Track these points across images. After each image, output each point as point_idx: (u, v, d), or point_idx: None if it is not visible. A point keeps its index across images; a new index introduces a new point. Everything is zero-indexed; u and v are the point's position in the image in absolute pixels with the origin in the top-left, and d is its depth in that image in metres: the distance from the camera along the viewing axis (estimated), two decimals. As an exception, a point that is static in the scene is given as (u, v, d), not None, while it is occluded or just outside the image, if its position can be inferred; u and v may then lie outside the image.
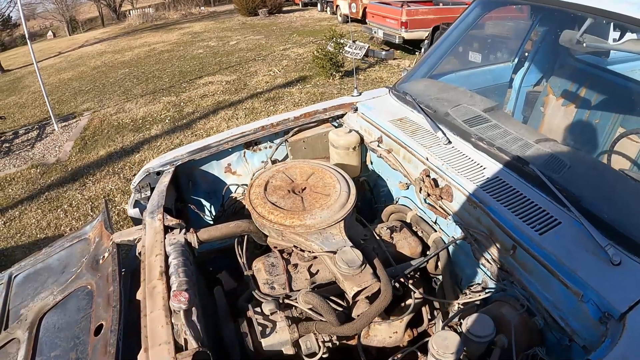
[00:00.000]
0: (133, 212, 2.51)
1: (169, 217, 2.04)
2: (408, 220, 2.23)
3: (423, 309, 2.01)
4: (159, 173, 2.48)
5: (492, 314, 1.54)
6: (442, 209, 2.00)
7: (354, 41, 10.94)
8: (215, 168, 2.74)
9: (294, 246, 1.88)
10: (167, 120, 8.42)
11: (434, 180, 2.04)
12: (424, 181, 2.03)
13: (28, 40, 8.41)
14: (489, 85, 3.59)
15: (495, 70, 3.73)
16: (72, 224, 5.39)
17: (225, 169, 2.76)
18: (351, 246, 1.69)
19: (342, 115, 2.84)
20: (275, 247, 1.96)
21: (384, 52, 11.23)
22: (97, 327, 1.69)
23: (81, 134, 8.28)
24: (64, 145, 7.92)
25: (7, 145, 8.32)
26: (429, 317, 2.02)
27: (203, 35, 18.01)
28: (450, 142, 2.18)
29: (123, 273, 1.96)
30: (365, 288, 1.60)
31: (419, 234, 2.17)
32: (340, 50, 9.53)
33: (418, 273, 2.07)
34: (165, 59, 14.22)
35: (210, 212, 2.83)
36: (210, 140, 2.63)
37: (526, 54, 3.62)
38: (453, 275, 2.02)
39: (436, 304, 2.04)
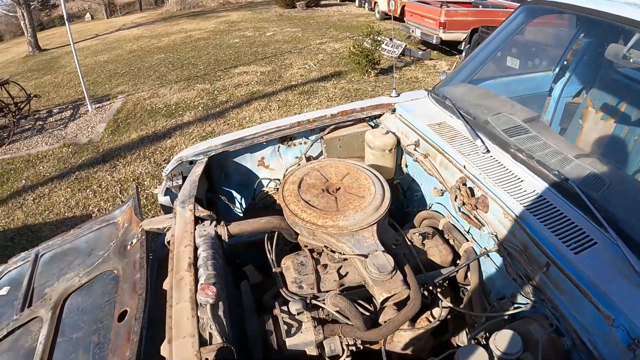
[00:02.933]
0: (164, 199, 2.53)
1: (200, 207, 2.04)
2: (440, 228, 2.20)
3: (448, 318, 1.98)
4: (191, 162, 2.49)
5: (520, 331, 1.50)
6: (477, 219, 1.96)
7: (391, 39, 10.83)
8: (248, 161, 2.74)
9: (325, 246, 1.88)
10: (200, 108, 8.48)
11: (470, 189, 2.01)
12: (460, 189, 1.99)
13: (66, 21, 8.57)
14: (529, 94, 3.52)
15: (536, 79, 3.66)
16: (101, 204, 5.48)
17: (259, 162, 2.76)
18: (383, 251, 1.68)
19: (379, 116, 2.82)
20: (306, 246, 1.96)
21: (420, 52, 11.11)
22: (121, 313, 1.71)
23: (114, 116, 8.40)
24: (97, 126, 8.05)
25: (41, 123, 8.51)
26: (454, 328, 1.99)
27: (240, 25, 18.06)
28: (488, 151, 2.14)
29: (150, 261, 1.96)
30: (395, 295, 1.59)
31: (451, 242, 2.14)
32: (377, 48, 9.45)
33: (447, 282, 2.04)
34: (201, 46, 14.31)
35: (240, 204, 2.84)
36: (245, 132, 2.62)
37: (565, 63, 3.54)
38: (482, 287, 1.99)
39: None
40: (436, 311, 1.88)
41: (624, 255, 1.48)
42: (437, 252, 2.05)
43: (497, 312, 1.77)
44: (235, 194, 2.82)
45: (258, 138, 2.59)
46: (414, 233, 2.10)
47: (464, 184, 2.02)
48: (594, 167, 1.97)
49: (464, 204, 2.00)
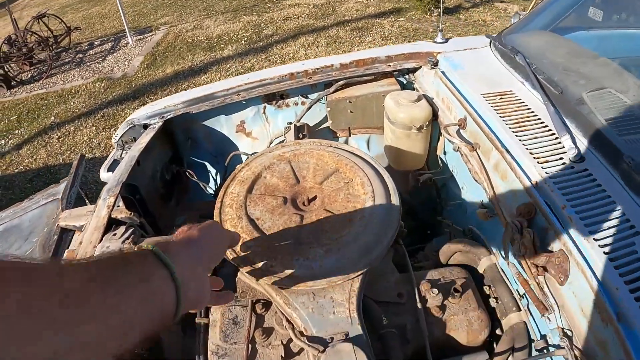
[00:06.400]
0: (106, 176, 1.80)
1: (121, 204, 1.43)
2: (481, 271, 1.31)
3: None
4: (145, 126, 1.82)
5: None
6: (542, 291, 1.07)
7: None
8: (224, 125, 2.02)
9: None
10: (242, 41, 7.85)
11: (544, 230, 1.08)
12: (521, 230, 1.06)
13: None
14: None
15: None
16: (122, 145, 5.06)
17: (238, 128, 2.03)
18: (356, 336, 0.87)
19: (414, 70, 1.92)
20: (245, 292, 1.12)
21: (492, -10, 9.67)
22: None
23: (153, 49, 8.01)
24: (134, 59, 7.75)
25: (81, 56, 8.33)
26: None
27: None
28: (582, 159, 1.18)
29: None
30: None
31: (492, 303, 1.25)
32: (442, -18, 8.22)
33: None
34: (258, -29, 13.32)
35: (215, 180, 2.13)
36: (215, 87, 1.88)
37: None
38: None
39: None
40: None
41: None
42: (464, 323, 1.15)
43: None
44: (209, 166, 2.12)
45: (232, 96, 1.81)
46: (430, 288, 1.16)
47: (530, 220, 1.10)
48: None
49: (524, 256, 1.08)
